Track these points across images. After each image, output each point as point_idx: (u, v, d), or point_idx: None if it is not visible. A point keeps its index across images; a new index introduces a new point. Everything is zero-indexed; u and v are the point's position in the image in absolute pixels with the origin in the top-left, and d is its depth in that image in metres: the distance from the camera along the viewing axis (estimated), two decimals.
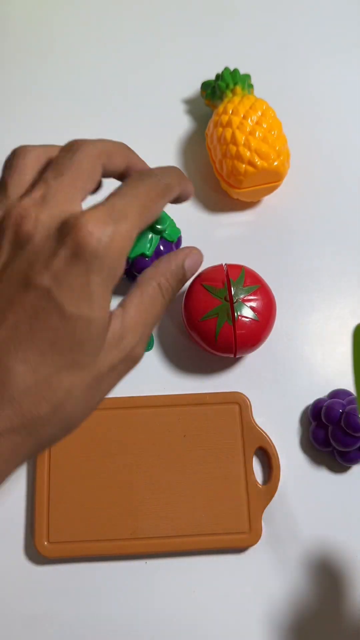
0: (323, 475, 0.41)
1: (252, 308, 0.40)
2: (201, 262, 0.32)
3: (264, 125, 0.45)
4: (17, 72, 0.55)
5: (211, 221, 0.49)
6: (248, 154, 0.44)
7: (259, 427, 0.41)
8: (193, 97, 0.54)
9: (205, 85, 0.51)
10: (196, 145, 0.52)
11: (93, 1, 0.59)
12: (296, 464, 0.42)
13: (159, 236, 0.43)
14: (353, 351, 0.32)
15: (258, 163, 0.44)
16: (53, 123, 0.53)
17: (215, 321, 0.40)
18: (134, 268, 0.43)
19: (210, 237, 0.48)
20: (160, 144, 0.52)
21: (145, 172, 0.29)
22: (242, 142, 0.44)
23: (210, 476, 0.39)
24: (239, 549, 0.39)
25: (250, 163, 0.44)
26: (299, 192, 0.50)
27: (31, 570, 0.39)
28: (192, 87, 0.54)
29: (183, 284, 0.31)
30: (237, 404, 0.41)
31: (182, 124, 0.53)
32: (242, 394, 0.42)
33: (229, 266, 0.42)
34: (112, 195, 0.27)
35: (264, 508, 0.39)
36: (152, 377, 0.44)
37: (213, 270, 0.42)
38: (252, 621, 0.38)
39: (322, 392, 0.43)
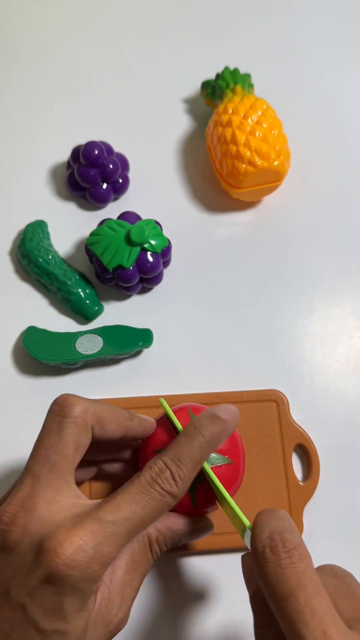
0: None
1: (219, 451, 0.34)
2: (207, 535, 0.32)
3: (264, 125, 0.45)
4: (16, 72, 0.55)
5: (211, 221, 0.49)
6: (248, 153, 0.44)
7: (297, 424, 0.41)
8: (193, 96, 0.54)
9: (206, 84, 0.51)
10: (196, 144, 0.52)
11: (93, 1, 0.59)
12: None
13: (138, 248, 0.42)
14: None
15: (258, 163, 0.44)
16: (53, 123, 0.53)
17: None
18: (117, 278, 0.43)
19: (210, 237, 0.48)
20: (160, 143, 0.52)
21: (150, 481, 0.27)
22: (242, 142, 0.44)
23: (250, 474, 0.39)
24: None
25: (251, 163, 0.44)
26: (299, 192, 0.50)
27: None
28: (192, 87, 0.54)
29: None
30: (275, 401, 0.41)
31: (182, 123, 0.53)
32: (279, 391, 0.42)
33: (176, 411, 0.35)
34: (106, 508, 0.26)
35: (305, 505, 0.39)
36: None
37: (161, 433, 0.34)
38: None
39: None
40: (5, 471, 0.41)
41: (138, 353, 0.44)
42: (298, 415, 0.42)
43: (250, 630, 0.37)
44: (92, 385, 0.43)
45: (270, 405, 0.41)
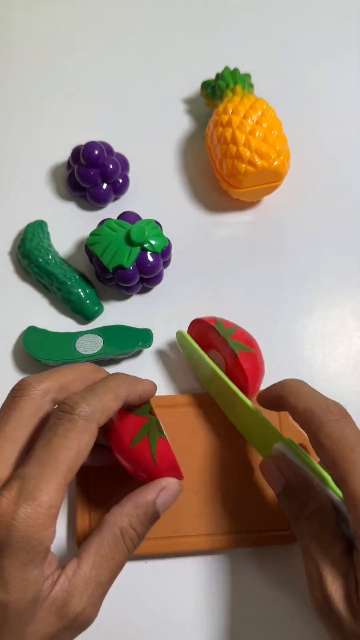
0: None
1: (243, 341, 0.38)
2: (178, 494, 0.31)
3: (264, 125, 0.45)
4: (16, 72, 0.55)
5: (211, 221, 0.49)
6: (248, 153, 0.44)
7: (297, 425, 0.41)
8: (193, 96, 0.54)
9: (206, 84, 0.51)
10: (196, 145, 0.52)
11: (93, 1, 0.59)
12: None
13: (138, 248, 0.42)
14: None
15: (258, 163, 0.44)
16: (52, 123, 0.53)
17: (147, 442, 0.32)
18: (117, 278, 0.43)
19: (210, 237, 0.48)
20: (160, 143, 0.52)
21: (58, 414, 0.27)
22: (242, 142, 0.44)
23: (250, 475, 0.39)
24: (280, 546, 0.39)
25: (251, 163, 0.44)
26: (299, 192, 0.50)
27: None
28: (192, 87, 0.54)
29: (153, 524, 0.29)
30: None
31: (182, 123, 0.53)
32: None
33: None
34: (25, 464, 0.25)
35: None
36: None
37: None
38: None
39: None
40: None
41: (138, 353, 0.44)
42: None
43: (250, 630, 0.37)
44: None
45: None
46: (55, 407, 0.28)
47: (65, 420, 0.26)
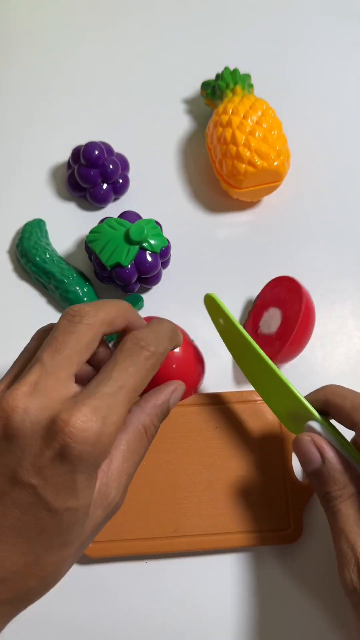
0: None
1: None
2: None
3: (264, 125, 0.45)
4: (17, 72, 0.55)
5: (211, 221, 0.49)
6: (248, 154, 0.44)
7: None
8: (193, 97, 0.54)
9: (205, 85, 0.51)
10: (196, 145, 0.52)
11: (94, 1, 0.59)
12: None
13: (137, 247, 0.42)
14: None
15: (258, 163, 0.44)
16: (53, 123, 0.53)
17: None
18: (115, 277, 0.43)
19: (210, 237, 0.48)
20: (160, 143, 0.52)
21: (134, 348, 0.29)
22: (242, 142, 0.44)
23: (250, 473, 0.39)
24: (280, 546, 0.39)
25: (250, 163, 0.44)
26: (299, 192, 0.50)
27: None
28: (192, 87, 0.54)
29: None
30: None
31: (182, 123, 0.53)
32: None
33: None
34: (100, 383, 0.27)
35: (305, 504, 0.39)
36: None
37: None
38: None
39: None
40: None
41: None
42: None
43: (250, 629, 0.37)
44: None
45: None
46: (128, 337, 0.30)
47: (137, 352, 0.29)
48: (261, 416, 0.41)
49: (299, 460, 0.33)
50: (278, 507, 0.38)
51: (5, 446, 0.26)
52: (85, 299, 0.44)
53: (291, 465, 0.40)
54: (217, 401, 0.41)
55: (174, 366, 0.40)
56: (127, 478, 0.30)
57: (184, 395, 0.37)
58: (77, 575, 0.39)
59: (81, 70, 0.55)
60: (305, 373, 0.44)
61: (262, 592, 0.38)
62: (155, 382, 0.36)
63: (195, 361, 0.41)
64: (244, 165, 0.44)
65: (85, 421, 0.25)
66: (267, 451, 0.40)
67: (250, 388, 0.42)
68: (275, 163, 0.44)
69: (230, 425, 0.40)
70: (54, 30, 0.57)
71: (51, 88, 0.54)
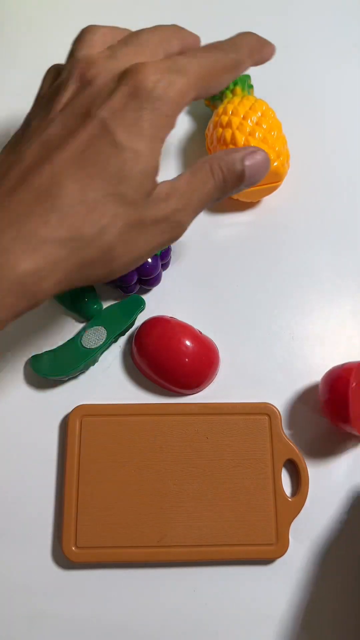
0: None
1: None
2: (266, 169, 0.32)
3: (264, 126, 0.45)
4: (17, 71, 0.55)
5: (211, 221, 0.49)
6: None
7: (288, 439, 0.41)
8: None
9: None
10: (196, 145, 0.52)
11: (94, 2, 0.59)
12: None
13: None
14: None
15: None
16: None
17: None
18: (116, 279, 0.43)
19: (210, 237, 0.48)
20: None
21: (214, 45, 0.31)
22: (242, 143, 0.44)
23: (239, 486, 0.39)
24: (266, 561, 0.39)
25: None
26: (299, 192, 0.50)
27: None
28: None
29: (240, 182, 0.32)
30: (267, 415, 0.41)
31: (182, 124, 0.53)
32: (271, 405, 0.41)
33: None
34: (178, 55, 0.30)
35: (292, 520, 0.39)
36: (152, 390, 0.43)
37: None
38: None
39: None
40: None
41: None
42: (289, 430, 0.42)
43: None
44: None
45: (262, 418, 0.41)
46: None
47: (220, 54, 0.31)
48: (253, 429, 0.41)
49: None
50: (265, 522, 0.38)
51: (81, 91, 0.28)
52: (86, 299, 0.44)
53: (280, 481, 0.40)
54: (209, 412, 0.41)
55: (187, 360, 0.40)
56: (190, 197, 0.30)
57: (189, 387, 0.39)
58: (59, 580, 0.39)
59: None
60: (305, 373, 0.44)
61: (246, 605, 0.38)
62: (169, 375, 0.38)
63: (209, 353, 0.42)
64: None
65: (159, 68, 0.27)
66: (257, 465, 0.40)
67: (244, 388, 0.42)
68: (275, 164, 0.45)
69: (221, 436, 0.40)
70: (54, 30, 0.57)
71: None
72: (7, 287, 0.25)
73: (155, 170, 0.28)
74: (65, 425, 0.41)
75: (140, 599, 0.38)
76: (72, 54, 0.30)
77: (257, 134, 0.44)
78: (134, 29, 0.31)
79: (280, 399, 0.43)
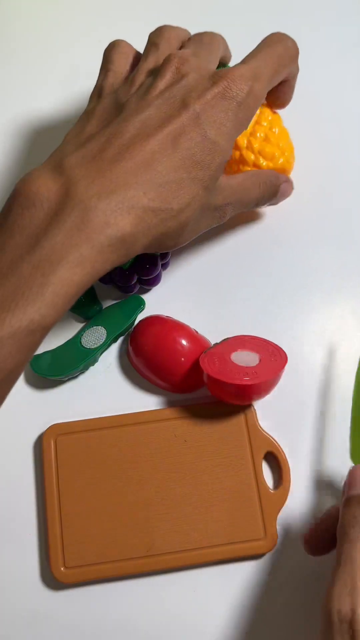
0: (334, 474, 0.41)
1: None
2: (288, 195, 0.43)
3: (264, 124, 0.44)
4: (17, 71, 0.54)
5: None
6: (252, 156, 0.43)
7: (266, 432, 0.41)
8: None
9: None
10: None
11: (94, 2, 0.58)
12: (305, 465, 0.41)
13: None
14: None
15: (264, 164, 0.43)
16: (52, 123, 0.52)
17: None
18: (115, 278, 0.43)
19: (210, 237, 0.48)
20: None
21: (277, 38, 0.37)
22: (245, 145, 0.43)
23: (221, 486, 0.39)
24: (256, 556, 0.39)
25: (256, 165, 0.43)
26: (300, 191, 0.49)
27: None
28: None
29: (269, 200, 0.41)
30: (241, 410, 0.41)
31: None
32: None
33: None
34: (251, 56, 0.35)
35: (278, 512, 0.39)
36: (151, 391, 0.43)
37: None
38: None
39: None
40: None
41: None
42: (265, 422, 0.42)
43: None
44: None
45: (237, 414, 0.41)
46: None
47: (284, 47, 0.38)
48: (229, 427, 0.41)
49: (348, 482, 0.33)
50: (252, 517, 0.38)
51: (176, 82, 0.33)
52: (83, 299, 0.44)
53: (262, 475, 0.40)
54: (184, 415, 0.41)
55: (182, 359, 0.40)
56: (239, 196, 0.37)
57: (186, 387, 0.41)
58: (52, 602, 0.38)
59: (81, 70, 0.54)
60: (305, 373, 0.44)
61: (241, 603, 0.39)
62: (165, 375, 0.40)
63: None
64: (249, 169, 0.43)
65: (244, 75, 0.33)
66: (238, 462, 0.40)
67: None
68: (281, 160, 0.43)
69: (199, 438, 0.40)
70: (55, 30, 0.56)
71: (51, 87, 0.53)
72: (112, 243, 0.29)
73: (225, 164, 0.33)
74: (40, 446, 0.41)
75: (135, 608, 0.38)
76: (155, 46, 0.36)
77: (258, 133, 0.43)
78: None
79: (287, 385, 0.42)
